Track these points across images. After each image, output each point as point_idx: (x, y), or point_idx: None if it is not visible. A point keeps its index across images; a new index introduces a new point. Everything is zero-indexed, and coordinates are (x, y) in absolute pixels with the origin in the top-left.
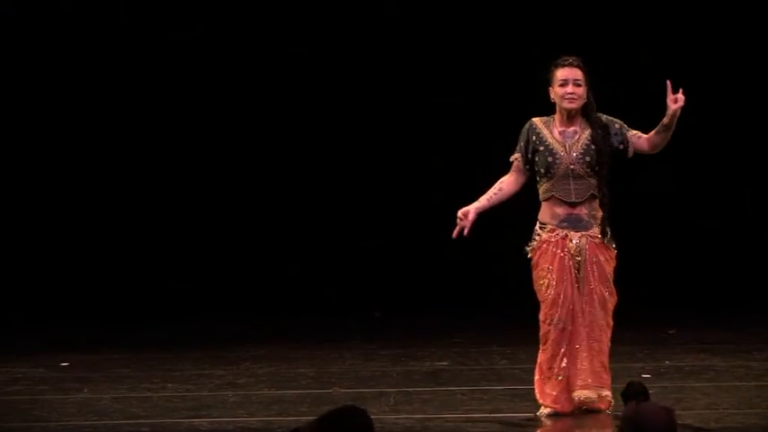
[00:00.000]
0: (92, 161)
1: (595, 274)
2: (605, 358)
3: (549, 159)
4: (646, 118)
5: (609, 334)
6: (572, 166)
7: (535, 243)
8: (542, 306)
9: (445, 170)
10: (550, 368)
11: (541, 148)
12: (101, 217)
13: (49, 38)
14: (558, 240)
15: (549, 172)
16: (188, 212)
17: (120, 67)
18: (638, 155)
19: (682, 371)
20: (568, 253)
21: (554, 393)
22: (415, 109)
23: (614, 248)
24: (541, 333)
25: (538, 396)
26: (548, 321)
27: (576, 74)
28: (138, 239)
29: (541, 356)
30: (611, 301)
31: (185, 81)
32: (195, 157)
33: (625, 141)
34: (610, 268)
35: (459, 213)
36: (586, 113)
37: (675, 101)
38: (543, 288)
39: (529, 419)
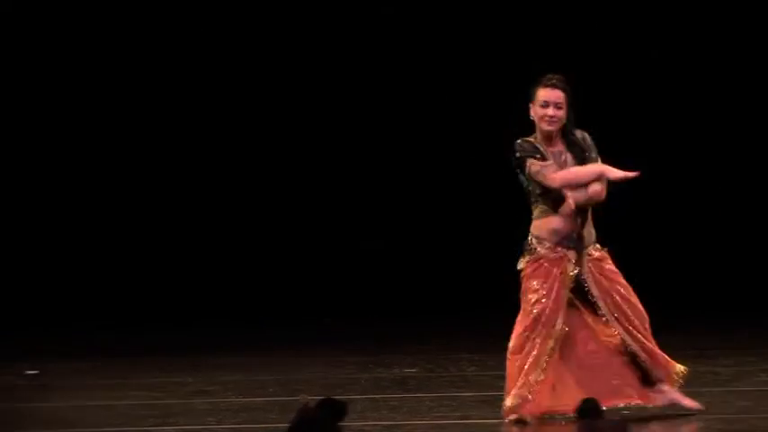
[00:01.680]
0: (61, 168)
1: (613, 286)
2: (655, 348)
3: None
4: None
5: (649, 330)
6: None
7: (530, 256)
8: (523, 318)
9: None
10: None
11: None
12: (68, 226)
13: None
14: (556, 259)
15: (551, 190)
16: (152, 219)
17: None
18: None
19: None
20: (565, 276)
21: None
22: (394, 116)
23: (606, 250)
24: (516, 343)
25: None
26: (525, 334)
27: (558, 96)
28: (107, 247)
29: (513, 365)
30: (634, 296)
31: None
32: (162, 172)
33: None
34: (617, 272)
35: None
36: (564, 133)
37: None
38: (530, 302)
39: (497, 425)
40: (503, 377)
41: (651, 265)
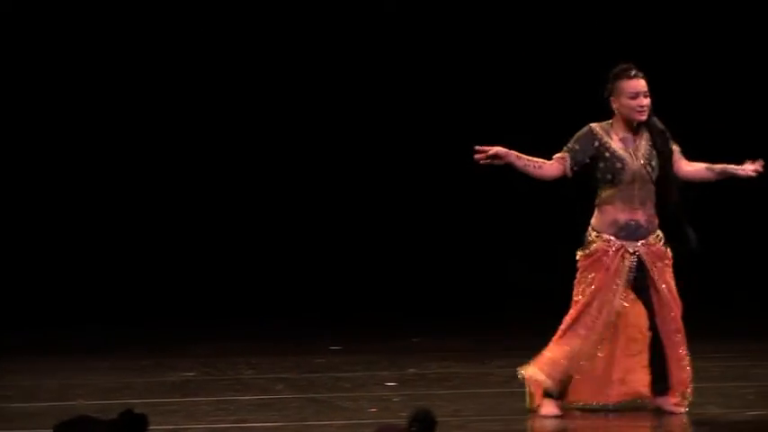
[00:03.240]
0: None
1: (661, 283)
2: (686, 362)
3: (618, 165)
4: None
5: (684, 339)
6: (639, 171)
7: (588, 250)
8: (574, 307)
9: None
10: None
11: (607, 155)
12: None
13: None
14: (612, 252)
15: (615, 178)
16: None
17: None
18: None
19: (426, 378)
20: (621, 269)
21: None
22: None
23: (669, 251)
24: (561, 328)
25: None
26: (571, 323)
27: (644, 85)
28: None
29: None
30: (678, 307)
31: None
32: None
33: (671, 148)
34: (670, 272)
35: (497, 150)
36: (646, 120)
37: (747, 170)
38: (581, 293)
39: (276, 429)
40: (280, 380)
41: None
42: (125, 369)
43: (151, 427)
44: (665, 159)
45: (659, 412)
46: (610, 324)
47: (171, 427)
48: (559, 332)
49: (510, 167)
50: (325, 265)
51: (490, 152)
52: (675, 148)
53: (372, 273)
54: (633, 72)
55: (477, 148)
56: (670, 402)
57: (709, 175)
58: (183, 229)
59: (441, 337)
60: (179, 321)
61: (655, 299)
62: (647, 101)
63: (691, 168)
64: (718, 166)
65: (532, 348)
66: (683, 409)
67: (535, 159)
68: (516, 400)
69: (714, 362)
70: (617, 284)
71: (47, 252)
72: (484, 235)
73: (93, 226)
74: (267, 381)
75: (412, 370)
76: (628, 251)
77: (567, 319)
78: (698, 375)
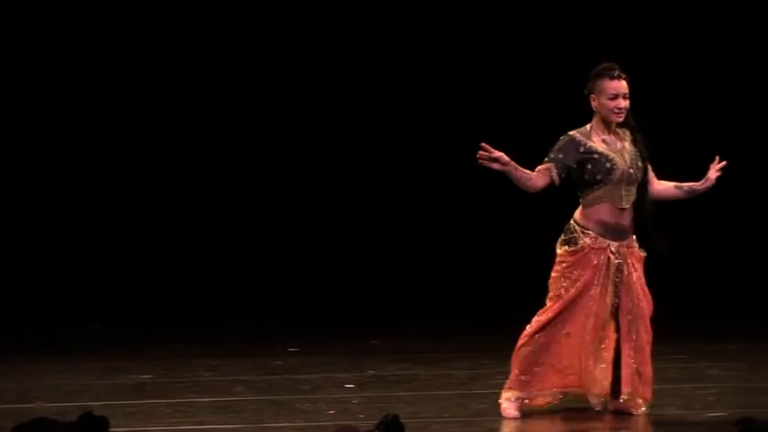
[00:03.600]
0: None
1: (636, 284)
2: (648, 369)
3: (608, 165)
4: None
5: (650, 343)
6: (629, 171)
7: (574, 246)
8: (554, 305)
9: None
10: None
11: (596, 156)
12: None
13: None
14: (600, 250)
15: (605, 178)
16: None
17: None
18: None
19: (385, 380)
20: (608, 267)
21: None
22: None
23: (643, 253)
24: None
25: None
26: (543, 320)
27: (625, 87)
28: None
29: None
30: (650, 309)
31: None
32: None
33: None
34: (643, 274)
35: (498, 155)
36: (624, 122)
37: (709, 181)
38: (562, 289)
39: (234, 431)
40: (239, 382)
41: (398, 266)
42: (82, 371)
43: (110, 430)
44: (647, 162)
45: (618, 413)
46: (598, 325)
47: (129, 429)
48: (535, 326)
49: (501, 175)
50: (283, 267)
51: (494, 154)
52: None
53: (329, 274)
54: (616, 72)
55: (484, 145)
56: (620, 404)
57: (677, 193)
58: (136, 230)
59: (399, 339)
60: (135, 323)
61: (627, 299)
62: (625, 103)
63: (661, 187)
64: (686, 185)
65: (492, 349)
66: (641, 411)
67: (528, 172)
68: (476, 401)
69: (673, 363)
70: (605, 284)
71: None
72: (444, 234)
73: (50, 227)
74: (226, 383)
75: (371, 372)
76: (612, 251)
77: (550, 315)
78: (657, 377)
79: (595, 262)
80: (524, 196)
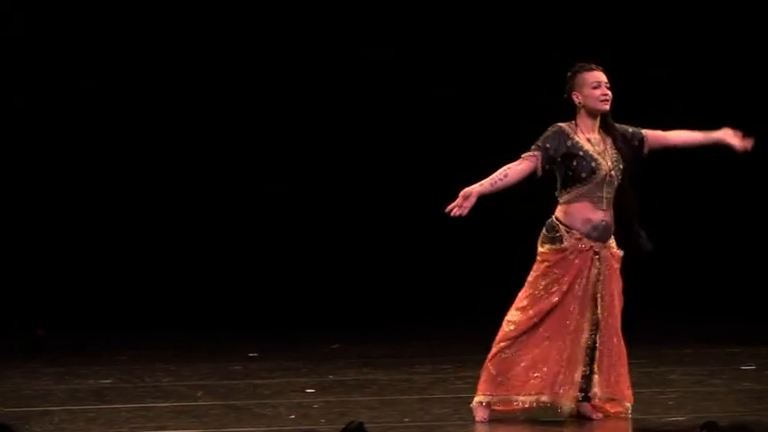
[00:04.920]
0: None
1: (615, 288)
2: (624, 369)
3: (592, 165)
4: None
5: (622, 346)
6: (611, 173)
7: (558, 245)
8: (533, 302)
9: None
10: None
11: (580, 154)
12: None
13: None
14: (583, 252)
15: (589, 177)
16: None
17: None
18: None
19: (345, 385)
20: (590, 271)
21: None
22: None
23: (621, 252)
24: (519, 321)
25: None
26: (523, 321)
27: (604, 77)
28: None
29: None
30: (620, 312)
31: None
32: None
33: (639, 139)
34: (620, 276)
35: (462, 193)
36: (604, 121)
37: (741, 144)
38: (540, 289)
39: None
40: (199, 387)
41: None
42: (41, 376)
43: None
44: (629, 163)
45: (581, 418)
46: (579, 329)
47: None
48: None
49: (464, 181)
50: (243, 273)
51: (458, 201)
52: (645, 131)
53: (289, 280)
54: (593, 65)
55: (449, 207)
56: (590, 408)
57: (697, 138)
58: (98, 236)
59: (359, 344)
60: (93, 328)
61: (606, 303)
62: (609, 91)
63: (676, 137)
64: (714, 135)
65: (452, 353)
66: (625, 413)
67: (498, 173)
68: (437, 406)
69: (633, 368)
70: (586, 288)
71: None
72: (402, 239)
73: (17, 233)
74: (186, 388)
75: (331, 377)
76: (595, 252)
77: (531, 316)
78: None
79: (578, 263)
80: (483, 202)
